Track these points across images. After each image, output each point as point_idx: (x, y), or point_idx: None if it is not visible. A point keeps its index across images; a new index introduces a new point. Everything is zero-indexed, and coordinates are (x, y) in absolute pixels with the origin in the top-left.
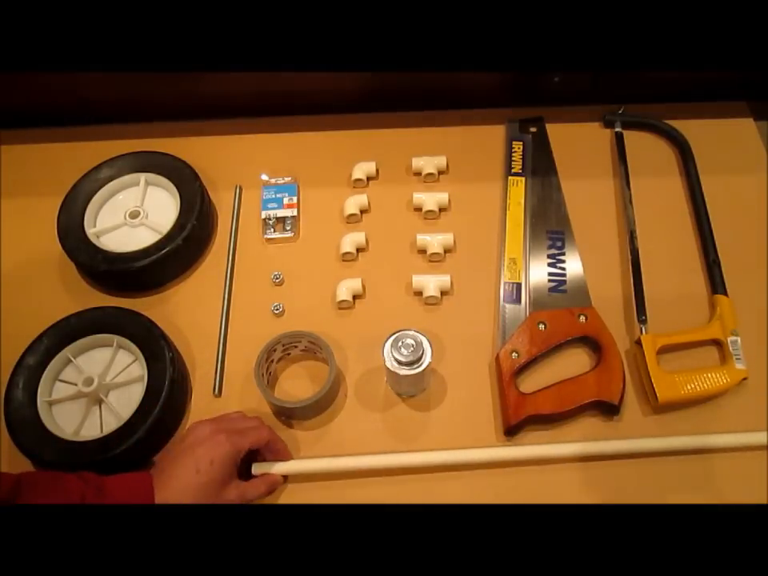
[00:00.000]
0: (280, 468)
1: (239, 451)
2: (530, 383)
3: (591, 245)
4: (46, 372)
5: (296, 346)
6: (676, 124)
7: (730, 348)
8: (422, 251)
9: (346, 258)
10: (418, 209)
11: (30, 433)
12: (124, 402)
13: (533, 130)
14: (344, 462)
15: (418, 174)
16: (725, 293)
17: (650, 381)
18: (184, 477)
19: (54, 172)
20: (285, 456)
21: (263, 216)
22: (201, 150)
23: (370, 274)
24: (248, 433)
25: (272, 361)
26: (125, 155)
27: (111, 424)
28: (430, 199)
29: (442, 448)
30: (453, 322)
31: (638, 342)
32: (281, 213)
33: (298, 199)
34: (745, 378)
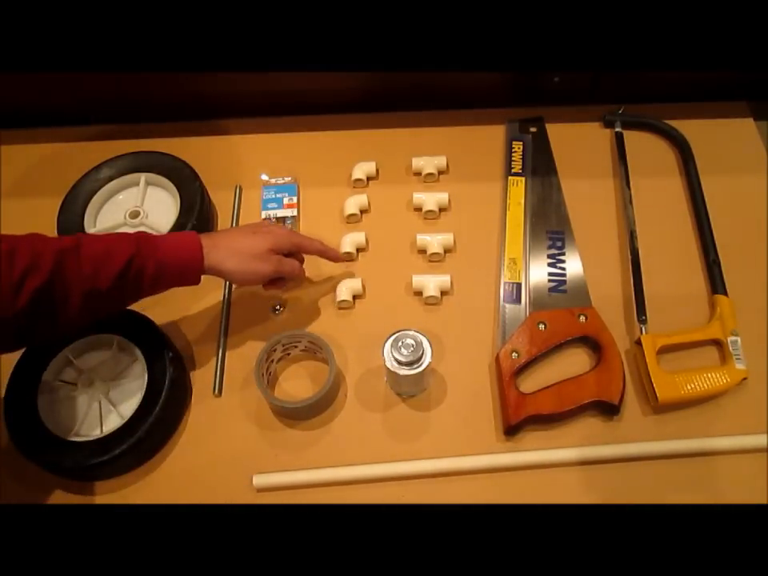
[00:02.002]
0: (283, 479)
1: (294, 243)
2: (529, 383)
3: (591, 245)
4: (45, 372)
5: (296, 346)
6: (676, 124)
7: (730, 348)
8: (422, 251)
9: (346, 258)
10: (418, 209)
11: (30, 433)
12: (124, 402)
13: (533, 129)
14: (345, 473)
15: (418, 174)
16: (725, 293)
17: (650, 381)
18: (238, 236)
19: (54, 172)
20: (337, 257)
21: (263, 216)
22: (201, 150)
23: (370, 274)
24: (305, 238)
25: (272, 361)
26: (125, 155)
27: (111, 424)
28: (430, 199)
29: (442, 448)
30: (453, 322)
31: (638, 342)
32: (281, 213)
33: (298, 199)
34: (745, 378)
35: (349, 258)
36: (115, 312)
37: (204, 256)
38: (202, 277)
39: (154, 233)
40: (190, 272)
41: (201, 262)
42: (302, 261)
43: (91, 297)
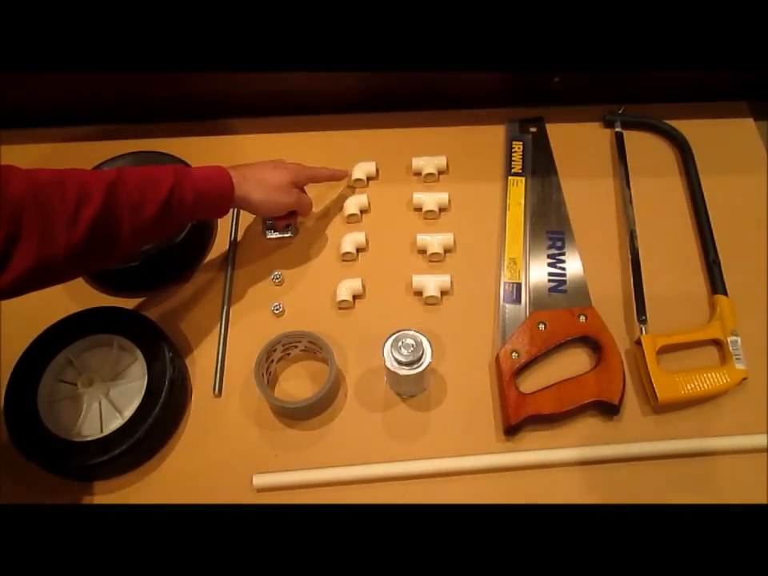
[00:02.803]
0: (283, 479)
1: (309, 175)
2: (529, 383)
3: (591, 245)
4: (46, 372)
5: (296, 346)
6: (676, 124)
7: (730, 348)
8: (422, 251)
9: (346, 258)
10: (418, 209)
11: (30, 433)
12: (124, 402)
13: (533, 130)
14: (345, 473)
15: (418, 174)
16: (725, 293)
17: (650, 381)
18: (262, 170)
19: None
20: (341, 175)
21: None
22: (201, 150)
23: (370, 273)
24: (316, 169)
25: (272, 361)
26: (125, 155)
27: (111, 424)
28: (430, 199)
29: (442, 448)
30: (453, 322)
31: (638, 342)
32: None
33: None
34: (745, 378)
35: (346, 173)
36: (158, 241)
37: (234, 186)
38: (202, 276)
39: None
40: (222, 202)
41: (232, 192)
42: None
43: (140, 224)
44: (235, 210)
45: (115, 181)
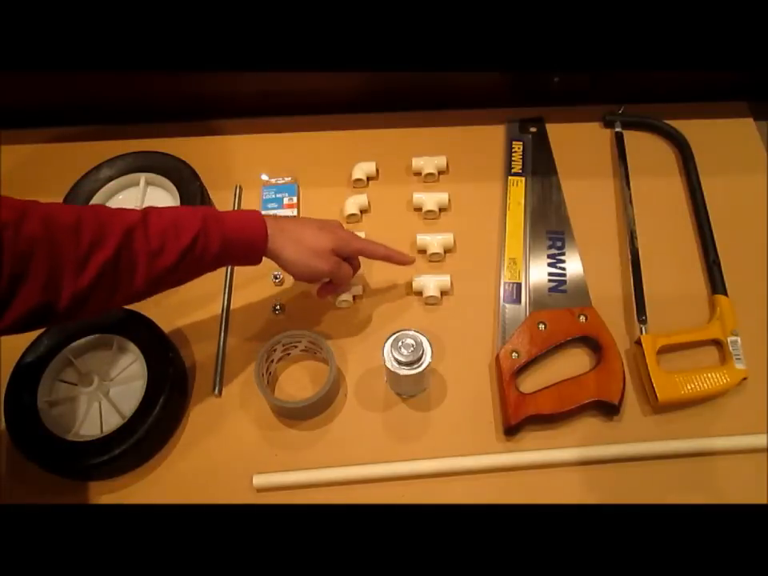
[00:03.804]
0: (283, 479)
1: (357, 248)
2: (529, 383)
3: (591, 245)
4: (46, 372)
5: (296, 346)
6: (676, 124)
7: (730, 348)
8: (422, 251)
9: None
10: (418, 209)
11: (30, 433)
12: (124, 402)
13: (533, 129)
14: (345, 473)
15: (418, 174)
16: (725, 293)
17: (650, 381)
18: (304, 228)
19: (54, 172)
20: (405, 260)
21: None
22: (201, 149)
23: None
24: (369, 242)
25: (272, 361)
26: (125, 155)
27: (111, 424)
28: (430, 199)
29: (442, 448)
30: (453, 322)
31: (638, 342)
32: (281, 213)
33: (298, 199)
34: (745, 378)
35: (413, 260)
36: (181, 284)
37: (269, 237)
38: (202, 276)
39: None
40: (253, 253)
41: (265, 243)
42: (357, 267)
43: (155, 271)
44: (234, 207)
45: (136, 224)
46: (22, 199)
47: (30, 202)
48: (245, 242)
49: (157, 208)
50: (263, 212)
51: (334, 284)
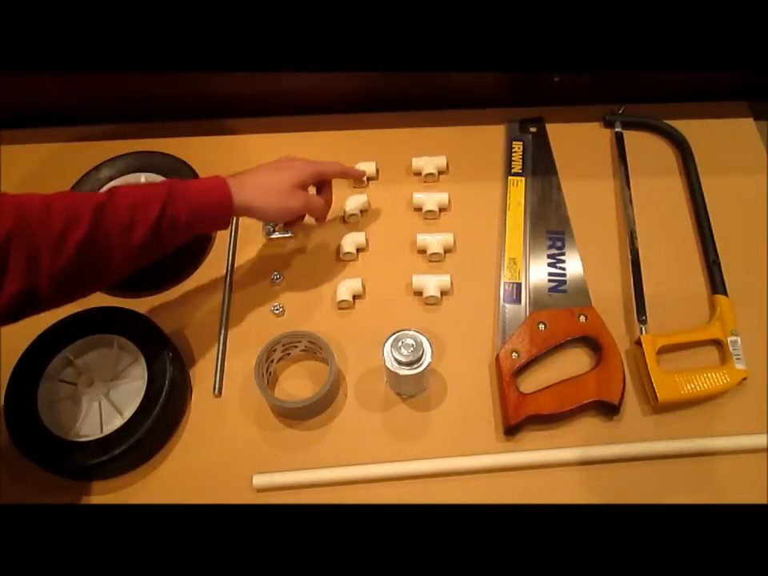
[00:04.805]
0: (283, 479)
1: (317, 172)
2: (529, 383)
3: (591, 245)
4: (45, 372)
5: (296, 346)
6: (676, 124)
7: (730, 348)
8: (422, 251)
9: (346, 258)
10: (418, 209)
11: (30, 433)
12: (124, 402)
13: (533, 129)
14: (345, 473)
15: (418, 174)
16: (725, 293)
17: (650, 381)
18: (262, 175)
19: (54, 172)
20: (357, 173)
21: None
22: (201, 150)
23: (370, 274)
24: (325, 164)
25: (272, 361)
26: (125, 155)
27: (111, 424)
28: (430, 199)
29: (442, 448)
30: (453, 322)
31: (638, 342)
32: None
33: None
34: (745, 378)
35: (363, 172)
36: (155, 260)
37: (233, 195)
38: (202, 276)
39: None
40: (221, 214)
41: (230, 202)
42: (329, 198)
43: (132, 245)
44: None
45: (105, 202)
46: None
47: None
48: (210, 203)
49: (122, 186)
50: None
51: (315, 218)
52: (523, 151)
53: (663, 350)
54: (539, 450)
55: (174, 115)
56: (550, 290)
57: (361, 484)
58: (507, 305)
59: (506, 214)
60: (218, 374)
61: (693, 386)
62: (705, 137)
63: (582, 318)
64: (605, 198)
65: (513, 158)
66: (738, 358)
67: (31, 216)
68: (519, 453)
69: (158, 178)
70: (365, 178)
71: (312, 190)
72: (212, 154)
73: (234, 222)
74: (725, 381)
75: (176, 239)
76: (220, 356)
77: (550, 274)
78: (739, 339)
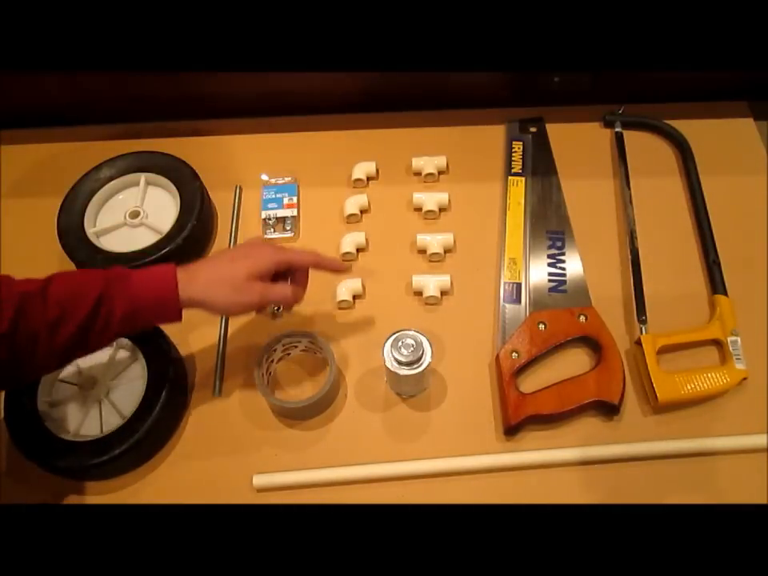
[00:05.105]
0: (283, 479)
1: (280, 261)
2: (529, 383)
3: (591, 245)
4: None
5: (296, 346)
6: (676, 124)
7: (730, 348)
8: (422, 251)
9: (346, 257)
10: (418, 209)
11: (30, 433)
12: (124, 402)
13: (533, 129)
14: (345, 473)
15: (418, 174)
16: (725, 293)
17: (650, 381)
18: (216, 265)
19: (54, 172)
20: (336, 267)
21: (263, 216)
22: (201, 149)
23: (369, 273)
24: (295, 252)
25: (272, 361)
26: (125, 155)
27: (111, 424)
28: (430, 199)
29: (442, 448)
30: (453, 322)
31: (638, 342)
32: (281, 213)
33: (298, 199)
34: (745, 378)
35: (347, 267)
36: (92, 353)
37: (180, 290)
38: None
39: (155, 233)
40: (166, 309)
41: (175, 297)
42: (302, 281)
43: (59, 340)
44: (234, 207)
45: (34, 294)
46: None
47: None
48: (154, 298)
49: (62, 273)
50: (263, 213)
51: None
52: (523, 151)
53: (663, 350)
54: (539, 450)
55: (174, 115)
56: (550, 290)
57: (361, 484)
58: (507, 305)
59: (505, 214)
60: (217, 374)
61: (693, 385)
62: (705, 137)
63: (582, 318)
64: (605, 198)
65: (513, 158)
66: (738, 358)
67: None
68: (519, 453)
69: (158, 178)
70: (365, 178)
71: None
72: (212, 154)
73: (234, 221)
74: (725, 381)
75: (112, 336)
76: (220, 356)
77: (549, 274)
78: (739, 339)
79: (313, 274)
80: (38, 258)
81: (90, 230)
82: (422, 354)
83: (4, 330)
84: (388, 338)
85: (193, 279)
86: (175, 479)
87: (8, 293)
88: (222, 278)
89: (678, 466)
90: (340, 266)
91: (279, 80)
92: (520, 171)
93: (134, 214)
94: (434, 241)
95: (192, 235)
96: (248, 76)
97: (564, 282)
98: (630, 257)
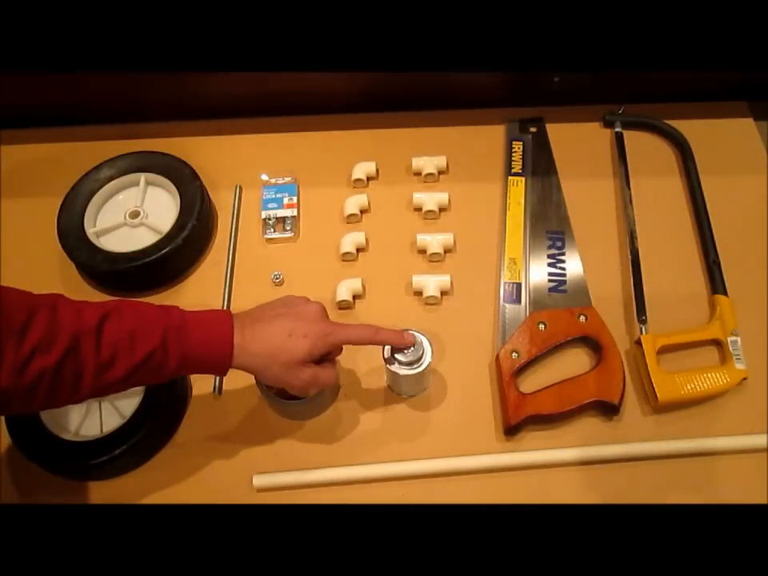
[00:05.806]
0: (283, 479)
1: (336, 344)
2: (530, 383)
3: (591, 245)
4: None
5: None
6: (676, 124)
7: (730, 348)
8: (422, 251)
9: (346, 258)
10: (418, 209)
11: (30, 433)
12: (124, 402)
13: (533, 129)
14: (345, 473)
15: (418, 174)
16: (725, 293)
17: (650, 381)
18: (273, 336)
19: (54, 172)
20: (399, 341)
21: (263, 216)
22: (201, 149)
23: (369, 274)
24: (354, 329)
25: None
26: (125, 155)
27: (111, 424)
28: (430, 199)
29: (442, 448)
30: (453, 322)
31: (638, 342)
32: (281, 213)
33: (298, 199)
34: (745, 378)
35: (412, 341)
36: (123, 390)
37: (233, 356)
38: (202, 276)
39: (155, 233)
40: (215, 369)
41: (228, 363)
42: (338, 353)
43: (103, 382)
44: (234, 207)
45: (89, 331)
46: None
47: None
48: (206, 358)
49: (120, 309)
50: (263, 212)
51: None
52: (523, 151)
53: (663, 350)
54: (539, 450)
55: (173, 115)
56: (550, 290)
57: (361, 484)
58: (507, 305)
59: (505, 214)
60: None
61: (693, 385)
62: (705, 137)
63: (582, 318)
64: (605, 198)
65: (513, 158)
66: (738, 358)
67: (5, 329)
68: (519, 453)
69: (158, 178)
70: (365, 178)
71: None
72: (212, 154)
73: (234, 221)
74: (725, 381)
75: (157, 381)
76: None
77: (549, 274)
78: (739, 339)
79: (312, 270)
80: (38, 258)
81: (89, 230)
82: (422, 353)
83: (54, 361)
84: None
85: (248, 346)
86: (175, 479)
87: (63, 319)
88: (275, 353)
89: (678, 466)
90: (403, 341)
91: (279, 80)
92: (520, 171)
93: (133, 214)
94: (433, 241)
95: (192, 235)
96: (248, 76)
97: (564, 282)
98: (630, 257)
